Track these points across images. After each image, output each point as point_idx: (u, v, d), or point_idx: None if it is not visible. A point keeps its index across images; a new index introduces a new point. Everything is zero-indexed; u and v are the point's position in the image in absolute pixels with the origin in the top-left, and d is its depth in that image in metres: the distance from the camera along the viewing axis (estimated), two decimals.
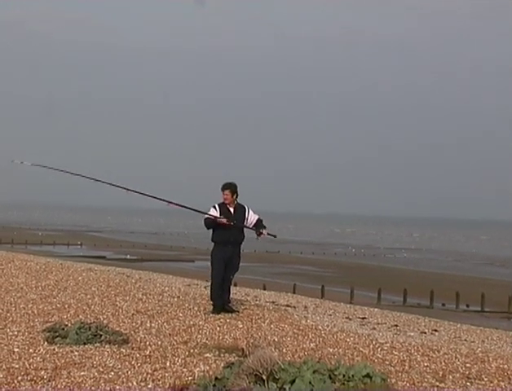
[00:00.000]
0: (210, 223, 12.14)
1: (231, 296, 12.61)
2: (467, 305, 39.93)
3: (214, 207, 12.18)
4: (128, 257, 63.54)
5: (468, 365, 8.86)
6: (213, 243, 12.37)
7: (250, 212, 12.29)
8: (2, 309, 11.65)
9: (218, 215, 12.06)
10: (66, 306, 12.23)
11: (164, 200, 12.74)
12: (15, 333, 9.65)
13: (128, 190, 12.71)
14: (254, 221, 12.27)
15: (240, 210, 12.26)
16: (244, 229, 12.33)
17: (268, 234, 12.30)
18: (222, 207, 12.19)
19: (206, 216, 12.17)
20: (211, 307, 12.19)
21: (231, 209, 12.20)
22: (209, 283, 12.65)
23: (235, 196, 12.25)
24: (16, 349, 8.61)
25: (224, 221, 12.01)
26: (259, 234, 12.26)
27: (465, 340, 11.51)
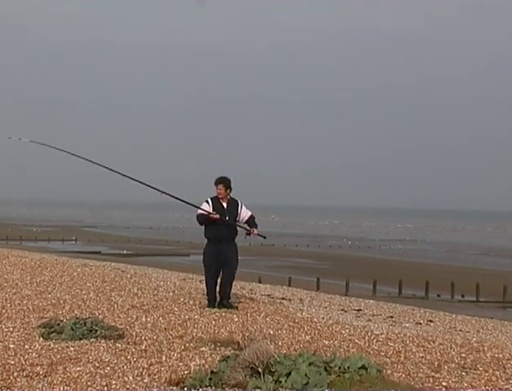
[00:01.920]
0: (203, 219, 12.08)
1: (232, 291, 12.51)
2: (462, 296, 39.99)
3: (207, 201, 12.09)
4: (124, 252, 63.49)
5: (463, 355, 8.89)
6: (206, 240, 12.30)
7: (243, 207, 12.21)
8: None
9: (210, 209, 12.00)
10: (61, 302, 12.22)
11: (158, 190, 12.69)
12: (11, 329, 9.64)
13: (124, 175, 12.65)
14: (246, 218, 12.18)
15: (233, 205, 12.18)
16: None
17: (258, 234, 12.21)
18: (215, 201, 12.10)
19: (199, 212, 12.10)
20: (207, 301, 12.19)
21: (224, 204, 12.12)
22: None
23: (228, 191, 12.17)
24: (12, 345, 8.60)
25: (217, 216, 11.95)
26: (248, 233, 12.20)
27: (461, 330, 11.54)
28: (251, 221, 12.23)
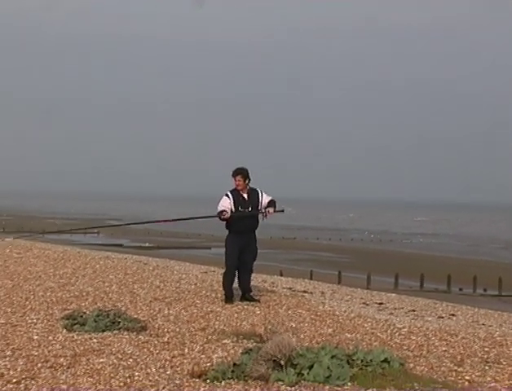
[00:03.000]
0: (223, 219, 11.92)
1: (251, 283, 12.46)
2: (485, 290, 39.70)
3: (227, 195, 11.93)
4: (147, 244, 63.67)
5: (486, 349, 8.84)
6: (227, 231, 12.20)
7: (264, 195, 12.08)
8: (21, 297, 11.74)
9: (231, 203, 11.85)
10: (84, 294, 12.30)
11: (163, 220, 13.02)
12: (34, 321, 9.72)
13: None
14: (266, 203, 12.03)
15: (254, 195, 12.03)
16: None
17: (275, 211, 12.02)
18: (235, 194, 11.95)
19: (220, 208, 11.86)
20: (225, 297, 12.00)
21: (245, 195, 11.97)
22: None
23: (247, 181, 11.99)
24: (36, 337, 8.67)
25: (227, 216, 11.79)
26: (265, 215, 12.01)
27: (483, 324, 11.47)
28: (271, 204, 12.04)
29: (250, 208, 11.94)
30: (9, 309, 10.58)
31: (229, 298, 11.86)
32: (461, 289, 39.85)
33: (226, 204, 11.92)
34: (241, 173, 11.97)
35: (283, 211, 12.44)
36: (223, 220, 11.96)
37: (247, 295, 12.02)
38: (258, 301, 11.97)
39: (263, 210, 12.01)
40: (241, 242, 11.98)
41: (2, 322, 9.61)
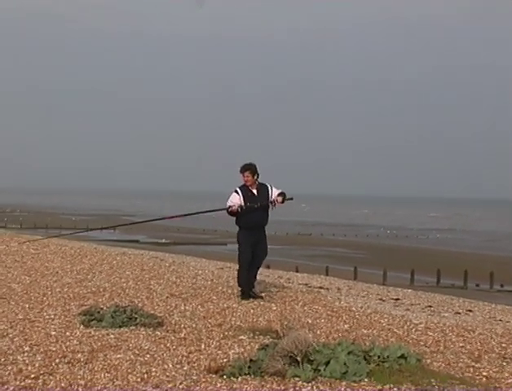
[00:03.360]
0: (232, 213, 11.86)
1: (257, 280, 12.37)
2: (501, 285, 39.59)
3: (236, 191, 11.83)
4: (163, 240, 63.85)
5: (504, 345, 8.81)
6: (238, 228, 12.07)
7: (273, 189, 11.97)
8: (39, 293, 11.80)
9: (241, 199, 11.75)
10: (101, 290, 12.35)
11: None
12: (52, 317, 9.77)
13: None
14: (276, 196, 11.92)
15: (264, 190, 11.93)
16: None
17: (284, 200, 11.89)
18: (244, 190, 11.85)
19: (228, 203, 11.81)
20: (241, 293, 11.95)
21: (254, 191, 11.86)
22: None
23: (256, 177, 11.87)
24: (53, 333, 8.72)
25: (234, 208, 11.73)
26: (274, 204, 11.89)
27: (500, 320, 11.42)
28: (280, 195, 11.93)
29: (259, 204, 11.84)
30: (27, 305, 10.65)
31: (245, 294, 11.84)
32: (477, 285, 39.74)
33: (235, 200, 11.82)
34: (249, 168, 11.86)
35: (292, 199, 12.32)
36: (231, 214, 11.89)
37: (250, 291, 11.94)
38: (261, 298, 11.80)
39: (272, 200, 11.91)
40: (253, 238, 11.91)
41: (20, 317, 9.67)
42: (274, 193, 11.97)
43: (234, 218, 12.02)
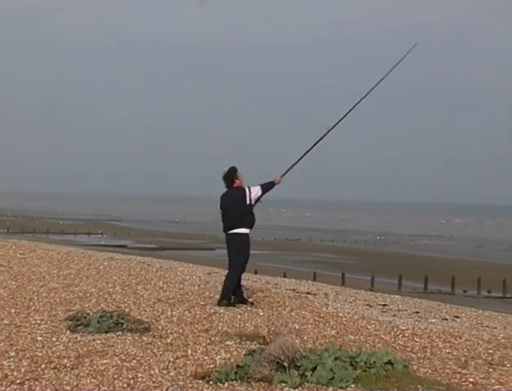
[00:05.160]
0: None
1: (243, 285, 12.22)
2: (489, 292, 39.77)
3: (248, 187, 11.77)
4: (153, 246, 63.81)
5: (490, 351, 8.83)
6: (248, 230, 11.81)
7: (251, 188, 11.78)
8: (25, 298, 11.75)
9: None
10: (88, 295, 12.31)
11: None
12: (38, 322, 9.73)
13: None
14: (259, 194, 11.80)
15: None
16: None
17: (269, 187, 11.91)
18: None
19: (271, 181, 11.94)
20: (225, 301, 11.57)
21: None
22: (234, 272, 11.92)
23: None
24: (39, 338, 8.68)
25: (279, 178, 11.91)
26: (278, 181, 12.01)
27: (487, 326, 11.45)
28: (265, 186, 11.92)
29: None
30: (13, 310, 10.60)
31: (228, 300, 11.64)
32: (465, 291, 39.90)
33: (256, 189, 11.78)
34: (236, 171, 11.89)
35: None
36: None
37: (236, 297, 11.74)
38: (234, 306, 11.44)
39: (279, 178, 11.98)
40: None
41: (6, 322, 9.63)
42: (253, 192, 11.80)
43: (247, 219, 11.77)
